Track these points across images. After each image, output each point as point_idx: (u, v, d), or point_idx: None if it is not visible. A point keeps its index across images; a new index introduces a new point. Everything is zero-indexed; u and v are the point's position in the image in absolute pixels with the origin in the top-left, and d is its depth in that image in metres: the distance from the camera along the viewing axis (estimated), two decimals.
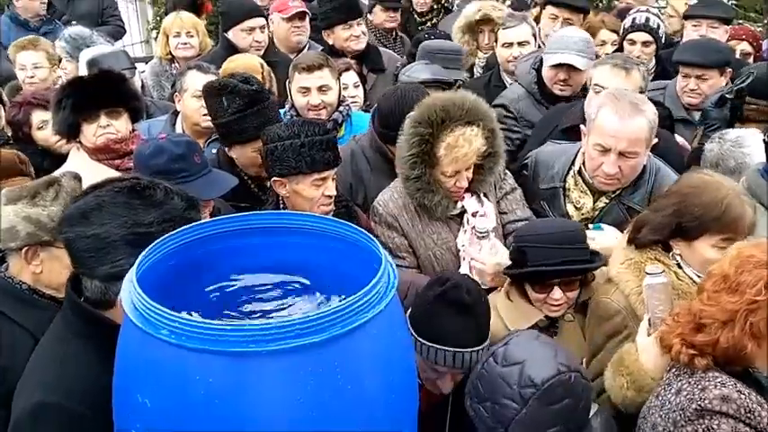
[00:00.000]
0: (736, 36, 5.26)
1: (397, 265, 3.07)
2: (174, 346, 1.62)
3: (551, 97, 4.25)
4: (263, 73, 4.32)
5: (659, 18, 4.85)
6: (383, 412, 1.78)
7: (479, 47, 5.34)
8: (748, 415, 1.92)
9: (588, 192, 3.24)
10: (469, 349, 2.37)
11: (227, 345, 1.58)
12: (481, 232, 3.05)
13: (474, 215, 3.13)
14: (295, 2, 5.39)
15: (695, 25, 5.05)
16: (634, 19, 4.87)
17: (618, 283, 2.66)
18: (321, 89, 3.98)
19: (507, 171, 3.38)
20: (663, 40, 4.87)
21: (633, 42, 4.83)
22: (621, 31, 4.96)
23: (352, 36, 4.96)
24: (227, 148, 3.54)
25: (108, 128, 3.53)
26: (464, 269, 3.11)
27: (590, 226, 3.11)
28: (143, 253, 1.89)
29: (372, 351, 1.74)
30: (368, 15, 6.04)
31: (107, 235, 1.99)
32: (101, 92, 3.56)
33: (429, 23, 6.28)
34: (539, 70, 4.33)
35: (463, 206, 3.16)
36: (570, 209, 3.28)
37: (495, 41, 4.98)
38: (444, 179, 3.08)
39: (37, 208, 2.48)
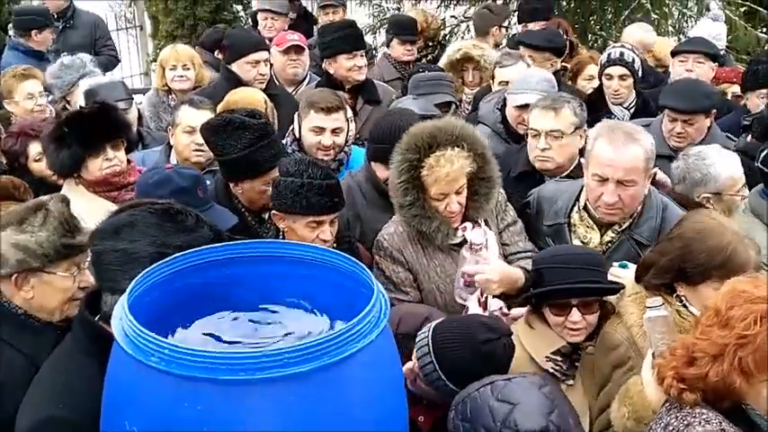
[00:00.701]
0: (728, 79, 5.37)
1: (400, 299, 3.11)
2: (163, 373, 1.62)
3: (516, 136, 4.31)
4: (266, 108, 4.34)
5: (634, 53, 4.91)
6: None
7: (465, 83, 5.47)
8: None
9: (594, 227, 3.26)
10: None
11: (217, 372, 1.58)
12: (477, 244, 3.08)
13: (475, 246, 3.14)
14: (293, 35, 5.45)
15: (682, 61, 5.14)
16: (609, 54, 4.95)
17: (623, 315, 2.69)
18: (335, 131, 3.99)
19: (509, 203, 3.40)
20: (640, 74, 4.92)
21: (611, 77, 4.89)
22: (599, 67, 5.03)
23: (355, 66, 4.99)
24: (233, 184, 3.54)
25: (114, 160, 3.55)
26: (467, 300, 3.13)
27: (614, 264, 3.07)
28: (136, 279, 1.90)
29: (362, 381, 1.73)
30: (386, 48, 6.23)
31: (135, 251, 2.05)
32: (103, 125, 3.57)
33: (424, 60, 6.37)
34: (502, 110, 4.41)
35: (464, 236, 3.16)
36: (577, 244, 3.29)
37: (492, 79, 5.04)
38: (436, 204, 3.10)
39: (25, 234, 2.48)
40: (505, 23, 6.87)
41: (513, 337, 2.49)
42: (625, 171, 3.08)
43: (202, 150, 3.94)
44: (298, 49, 5.35)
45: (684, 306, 2.59)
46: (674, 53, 5.31)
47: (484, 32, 6.32)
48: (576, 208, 3.32)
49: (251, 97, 4.35)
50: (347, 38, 5.03)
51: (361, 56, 5.02)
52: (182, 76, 5.37)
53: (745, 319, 1.93)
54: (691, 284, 2.58)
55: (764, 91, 4.61)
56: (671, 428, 2.01)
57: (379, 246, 3.25)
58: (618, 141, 3.10)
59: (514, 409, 1.98)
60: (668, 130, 4.25)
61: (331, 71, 4.98)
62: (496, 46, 6.27)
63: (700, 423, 1.97)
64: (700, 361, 1.99)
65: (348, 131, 4.08)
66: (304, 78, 5.43)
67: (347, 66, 4.93)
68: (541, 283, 2.81)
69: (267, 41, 5.48)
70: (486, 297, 3.10)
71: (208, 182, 3.54)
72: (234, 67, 5.00)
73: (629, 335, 2.64)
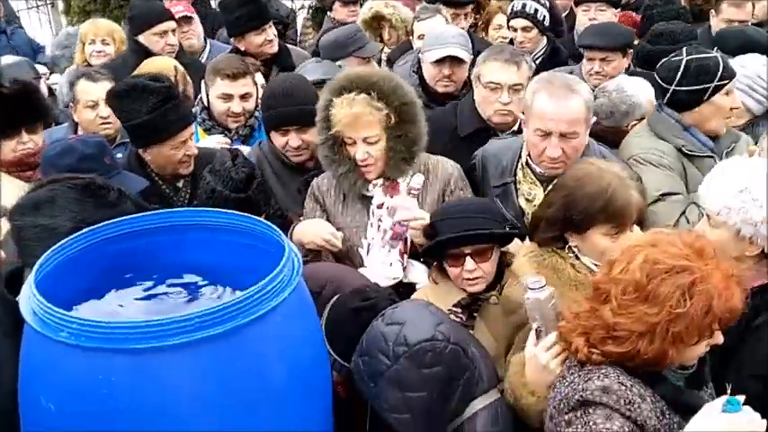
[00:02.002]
0: (629, 24, 5.45)
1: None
2: (73, 347, 1.61)
3: (436, 97, 4.19)
4: (176, 75, 4.26)
5: (538, 3, 4.94)
6: (292, 405, 1.81)
7: (383, 41, 5.39)
8: (627, 407, 1.92)
9: (537, 182, 3.23)
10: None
11: (127, 342, 1.59)
12: (416, 189, 3.07)
13: (380, 207, 3.15)
14: (178, 6, 5.31)
15: (585, 10, 5.23)
16: (512, 6, 5.04)
17: (518, 275, 2.69)
18: (243, 97, 3.96)
19: (466, 181, 3.32)
20: (547, 23, 4.97)
21: (515, 29, 5.00)
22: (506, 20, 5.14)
23: (265, 41, 4.93)
24: (142, 151, 3.49)
25: (28, 143, 3.46)
26: (369, 264, 3.13)
27: None
28: (44, 255, 1.88)
29: (277, 340, 1.76)
30: (328, 12, 6.12)
31: (55, 226, 2.03)
32: (20, 108, 3.47)
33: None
34: (419, 72, 4.31)
35: (372, 192, 3.16)
36: (522, 202, 3.26)
37: (411, 34, 5.03)
38: (350, 149, 3.10)
39: None
40: None
41: (417, 293, 2.53)
42: (568, 123, 3.05)
43: (109, 122, 3.90)
44: (186, 20, 5.25)
45: (578, 258, 2.62)
46: (576, 2, 5.41)
47: None
48: (519, 165, 3.28)
49: (162, 65, 4.28)
50: (252, 14, 4.89)
51: (270, 27, 4.95)
52: (100, 51, 5.23)
53: (672, 296, 1.91)
54: (580, 232, 2.61)
55: None
56: (573, 385, 2.02)
57: (311, 186, 3.29)
58: (558, 94, 3.07)
59: (403, 327, 2.05)
60: (587, 71, 4.34)
61: (242, 48, 4.89)
62: None
63: (598, 377, 1.98)
64: (624, 339, 1.96)
65: (257, 97, 4.05)
66: (204, 48, 5.33)
67: (257, 42, 4.85)
68: (435, 237, 2.81)
69: None
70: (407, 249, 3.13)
71: (119, 155, 3.49)
72: (141, 38, 4.89)
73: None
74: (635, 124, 3.72)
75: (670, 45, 4.14)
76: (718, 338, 2.01)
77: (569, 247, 2.65)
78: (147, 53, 4.76)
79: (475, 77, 3.77)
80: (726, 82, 3.41)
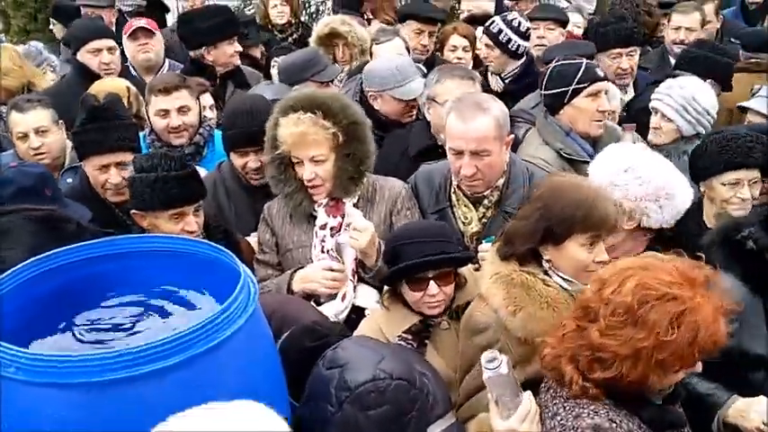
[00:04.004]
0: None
1: (261, 261, 3.19)
2: (21, 383, 1.57)
3: (384, 123, 4.08)
4: (128, 96, 4.21)
5: (508, 26, 4.92)
6: None
7: (336, 59, 5.37)
8: None
9: (470, 204, 3.26)
10: None
11: (77, 376, 1.54)
12: (331, 227, 3.08)
13: (322, 227, 3.13)
14: (139, 20, 5.23)
15: (534, 28, 5.29)
16: (487, 24, 5.08)
17: (487, 297, 2.66)
18: (180, 110, 3.92)
19: (414, 200, 3.32)
20: (510, 47, 4.93)
21: (483, 46, 5.07)
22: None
23: (235, 52, 4.94)
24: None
25: None
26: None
27: (483, 241, 3.12)
28: None
29: (234, 367, 1.73)
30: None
31: (10, 259, 1.96)
32: None
33: (290, 39, 6.27)
34: (362, 102, 4.13)
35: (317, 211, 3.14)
36: (461, 226, 3.27)
37: (370, 55, 5.02)
38: (298, 169, 3.09)
39: None
40: None
41: (367, 320, 2.49)
42: (477, 142, 3.07)
43: (42, 153, 3.86)
44: (146, 33, 5.14)
45: (547, 274, 2.61)
46: (529, 18, 5.49)
47: None
48: (452, 188, 3.30)
49: (113, 86, 4.24)
50: (227, 22, 4.95)
51: (236, 40, 4.96)
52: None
53: (661, 323, 1.92)
54: (557, 244, 2.60)
55: (615, 51, 4.81)
56: (559, 418, 2.01)
57: (264, 209, 3.29)
58: (466, 113, 3.10)
59: (343, 370, 1.98)
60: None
61: (210, 59, 4.86)
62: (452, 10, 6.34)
63: (588, 414, 1.97)
64: (609, 362, 1.97)
65: (201, 112, 4.02)
66: (162, 65, 5.23)
67: (229, 52, 4.85)
68: (398, 261, 2.79)
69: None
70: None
71: (69, 179, 3.43)
72: (78, 56, 4.83)
73: (496, 318, 2.59)
74: None
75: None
76: (698, 368, 2.05)
77: (543, 261, 2.63)
78: (89, 73, 4.70)
79: (428, 99, 3.75)
80: (584, 85, 3.64)
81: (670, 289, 1.95)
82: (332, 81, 4.49)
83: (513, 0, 6.56)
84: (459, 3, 6.79)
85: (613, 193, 2.89)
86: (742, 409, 2.59)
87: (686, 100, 3.93)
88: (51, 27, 6.80)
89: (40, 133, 3.89)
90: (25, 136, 3.88)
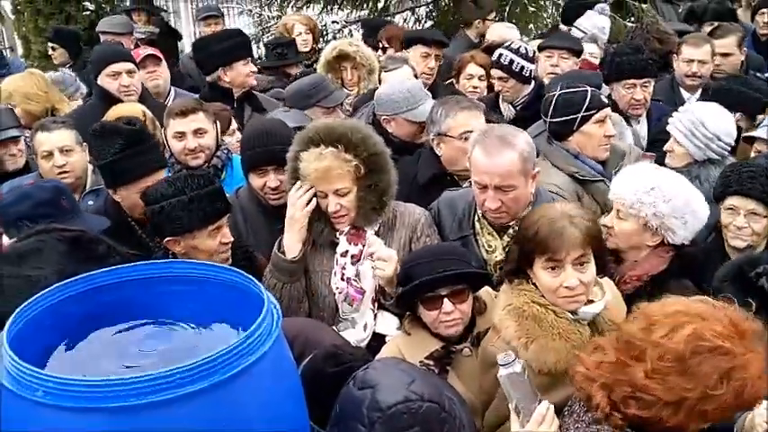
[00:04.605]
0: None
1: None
2: (50, 408, 1.57)
3: (395, 147, 4.05)
4: (145, 120, 4.26)
5: (516, 53, 5.04)
6: None
7: (344, 83, 5.43)
8: None
9: (494, 233, 3.27)
10: None
11: (105, 401, 1.54)
12: (353, 255, 3.12)
13: (343, 255, 3.15)
14: (147, 48, 5.41)
15: (548, 56, 5.42)
16: (496, 57, 5.17)
17: (500, 329, 2.69)
18: (197, 133, 3.98)
19: (434, 227, 3.35)
20: (524, 74, 5.07)
21: (496, 79, 5.19)
22: None
23: (250, 72, 5.02)
24: (112, 191, 3.48)
25: None
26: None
27: None
28: (17, 310, 1.83)
29: (258, 393, 1.73)
30: None
31: (38, 279, 1.98)
32: None
33: (314, 66, 6.33)
34: (376, 123, 4.25)
35: (339, 239, 3.19)
36: (483, 253, 3.29)
37: (380, 82, 5.08)
38: (322, 201, 3.13)
39: None
40: (489, 16, 7.15)
41: (389, 345, 2.47)
42: (501, 177, 3.07)
43: (66, 171, 3.93)
44: (154, 60, 5.33)
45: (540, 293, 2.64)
46: (540, 48, 5.54)
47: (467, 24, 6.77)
48: (477, 216, 3.31)
49: (130, 110, 4.32)
50: (241, 44, 5.10)
51: (250, 62, 5.05)
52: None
53: (711, 377, 1.91)
54: (530, 266, 2.65)
55: (630, 81, 4.85)
56: None
57: None
58: (491, 148, 3.09)
59: (375, 390, 1.98)
60: None
61: (227, 80, 4.94)
62: (481, 36, 6.59)
63: None
64: (650, 404, 1.96)
65: (218, 136, 4.07)
66: (169, 93, 5.37)
67: (245, 72, 4.94)
68: (410, 282, 2.81)
69: None
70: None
71: (90, 202, 3.46)
72: (99, 80, 4.91)
73: (510, 349, 2.57)
74: None
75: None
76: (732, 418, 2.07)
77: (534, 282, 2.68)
78: (109, 97, 4.77)
79: (438, 135, 3.75)
80: (592, 112, 3.73)
81: (723, 342, 1.93)
82: (339, 106, 4.56)
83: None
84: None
85: (641, 211, 3.05)
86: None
87: (694, 124, 3.98)
88: (50, 52, 6.91)
89: (64, 152, 3.98)
90: (50, 154, 3.97)
